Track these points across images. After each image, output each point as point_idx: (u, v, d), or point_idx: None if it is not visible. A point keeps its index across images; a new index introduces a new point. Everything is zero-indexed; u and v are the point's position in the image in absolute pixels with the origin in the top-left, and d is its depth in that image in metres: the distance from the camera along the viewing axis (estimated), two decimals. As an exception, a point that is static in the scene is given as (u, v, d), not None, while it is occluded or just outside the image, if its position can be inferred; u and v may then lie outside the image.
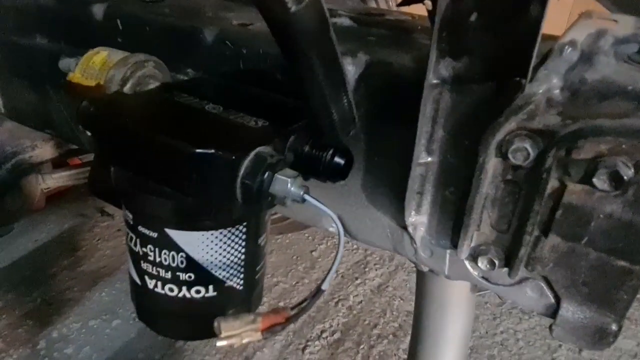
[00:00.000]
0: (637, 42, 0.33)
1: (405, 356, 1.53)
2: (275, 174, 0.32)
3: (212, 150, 0.30)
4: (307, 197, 0.32)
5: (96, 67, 0.43)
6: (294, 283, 1.72)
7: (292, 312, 0.31)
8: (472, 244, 0.40)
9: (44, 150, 0.85)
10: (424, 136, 0.38)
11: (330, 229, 0.51)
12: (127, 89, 0.42)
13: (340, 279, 1.72)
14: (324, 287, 0.32)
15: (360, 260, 1.81)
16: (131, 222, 0.35)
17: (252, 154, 0.31)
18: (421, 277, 0.50)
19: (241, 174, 0.31)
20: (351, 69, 0.42)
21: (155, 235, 0.34)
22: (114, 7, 0.55)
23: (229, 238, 0.35)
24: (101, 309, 1.64)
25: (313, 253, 1.85)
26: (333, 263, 0.32)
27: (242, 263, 0.37)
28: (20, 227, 1.80)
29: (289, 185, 0.32)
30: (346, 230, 0.50)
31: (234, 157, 0.30)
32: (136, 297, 0.39)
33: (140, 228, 0.34)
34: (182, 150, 0.30)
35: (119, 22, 0.53)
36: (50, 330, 1.54)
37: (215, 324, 0.29)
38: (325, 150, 0.36)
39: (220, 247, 0.35)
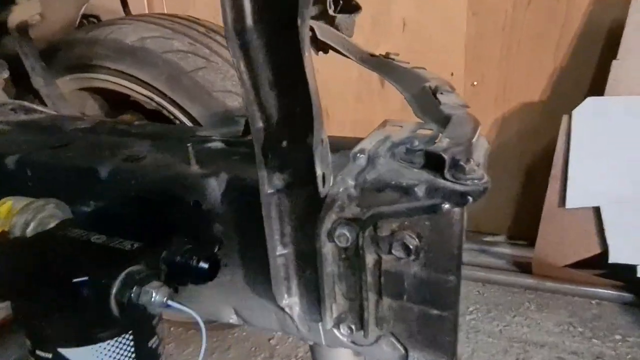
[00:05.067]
0: (405, 144, 0.45)
1: None
2: (142, 287, 0.39)
3: (86, 278, 0.38)
4: (170, 302, 0.40)
5: (1, 216, 0.51)
6: (254, 376, 1.71)
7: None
8: (334, 315, 0.48)
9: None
10: (276, 233, 0.47)
11: (231, 321, 0.58)
12: (29, 231, 0.50)
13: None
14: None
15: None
16: (30, 349, 0.41)
17: (122, 274, 0.39)
18: (312, 349, 0.57)
19: (113, 293, 0.38)
20: (215, 186, 0.52)
21: (50, 356, 0.40)
22: (24, 157, 0.63)
23: (118, 347, 0.42)
24: None
25: (271, 341, 1.85)
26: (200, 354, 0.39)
27: (135, 366, 0.43)
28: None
29: (154, 295, 0.39)
30: (243, 319, 0.57)
31: (104, 281, 0.38)
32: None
33: (38, 352, 0.40)
34: (62, 282, 0.38)
35: (27, 170, 0.62)
36: None
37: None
38: (191, 258, 0.44)
39: (112, 356, 0.41)
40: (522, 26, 1.80)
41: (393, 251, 0.41)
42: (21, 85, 1.39)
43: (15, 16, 1.15)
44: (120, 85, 1.17)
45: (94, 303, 0.38)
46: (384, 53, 0.81)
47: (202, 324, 0.42)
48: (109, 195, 0.56)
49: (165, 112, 1.17)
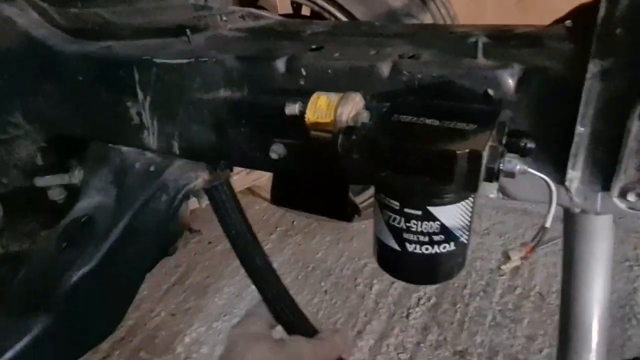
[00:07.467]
0: None
1: (499, 308, 1.69)
2: (505, 158, 0.48)
3: (467, 150, 0.47)
4: (529, 169, 0.49)
5: (323, 108, 0.61)
6: (380, 262, 1.90)
7: (531, 245, 0.48)
8: (621, 184, 0.56)
9: (202, 179, 1.03)
10: (580, 115, 0.54)
11: (491, 195, 0.68)
12: (350, 120, 0.60)
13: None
14: (547, 225, 0.50)
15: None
16: (397, 208, 0.52)
17: (487, 147, 0.48)
18: (571, 217, 0.66)
19: (485, 162, 0.47)
20: (509, 79, 0.58)
21: (419, 212, 0.51)
22: (294, 58, 0.71)
23: (465, 207, 0.52)
24: (219, 311, 1.84)
25: (389, 233, 2.02)
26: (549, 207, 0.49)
27: (469, 224, 0.54)
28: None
29: (517, 164, 0.49)
30: (507, 194, 0.66)
31: (479, 152, 0.47)
32: (393, 262, 0.56)
33: (407, 210, 0.52)
34: (449, 154, 0.47)
35: (302, 70, 0.70)
36: (182, 337, 1.75)
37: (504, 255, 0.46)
38: (520, 139, 0.52)
39: (460, 214, 0.52)
40: None
41: None
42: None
43: None
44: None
45: (468, 172, 0.48)
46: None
47: (553, 187, 0.51)
48: (392, 91, 0.64)
49: (326, 14, 1.21)
